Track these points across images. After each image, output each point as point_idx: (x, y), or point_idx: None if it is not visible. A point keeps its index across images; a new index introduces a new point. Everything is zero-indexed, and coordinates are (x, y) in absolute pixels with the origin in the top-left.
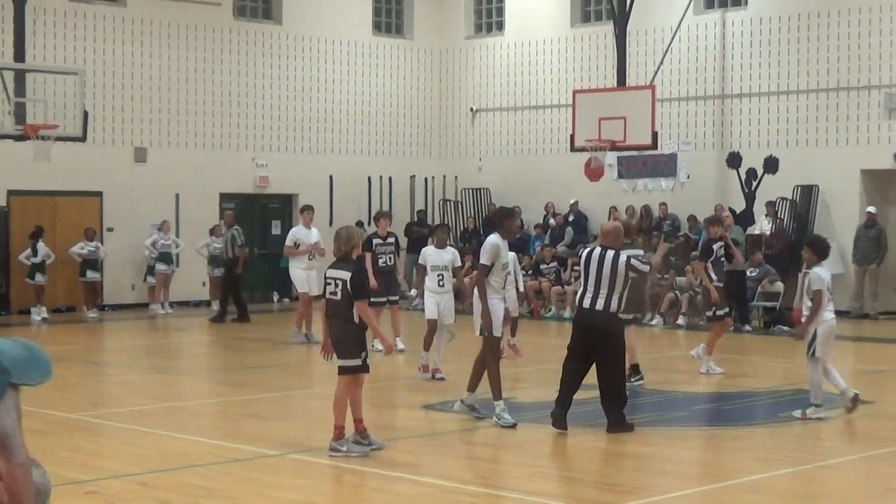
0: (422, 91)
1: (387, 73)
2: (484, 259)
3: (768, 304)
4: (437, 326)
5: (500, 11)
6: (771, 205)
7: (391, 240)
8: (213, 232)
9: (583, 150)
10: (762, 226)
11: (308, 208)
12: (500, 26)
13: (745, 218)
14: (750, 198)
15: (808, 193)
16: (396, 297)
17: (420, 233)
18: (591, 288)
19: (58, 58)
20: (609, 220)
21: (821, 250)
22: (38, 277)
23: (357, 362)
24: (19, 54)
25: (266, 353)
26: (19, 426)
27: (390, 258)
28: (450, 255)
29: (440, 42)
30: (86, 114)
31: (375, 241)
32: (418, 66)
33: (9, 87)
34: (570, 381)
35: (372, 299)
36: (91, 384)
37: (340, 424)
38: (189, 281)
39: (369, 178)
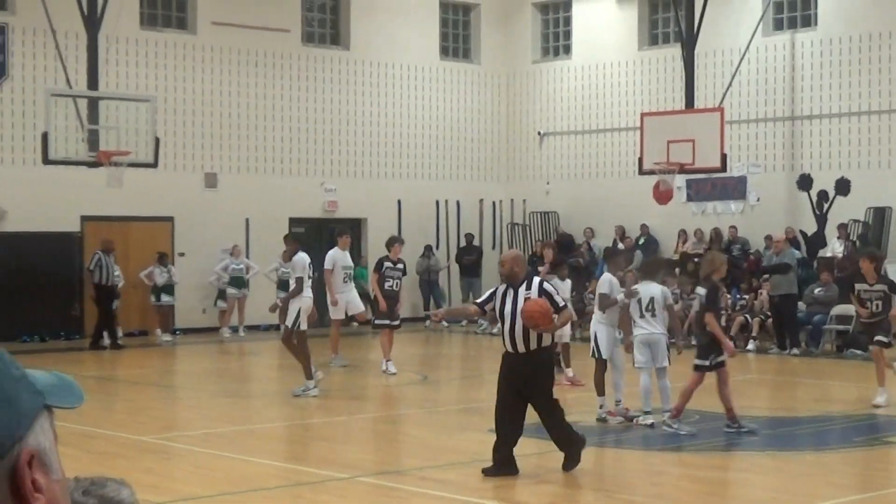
0: (489, 115)
1: (454, 97)
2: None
3: (840, 327)
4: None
5: (568, 35)
6: (843, 227)
7: (401, 265)
8: (282, 256)
9: (651, 173)
10: (834, 248)
11: (345, 232)
12: (568, 50)
13: (817, 240)
14: (821, 220)
15: (880, 215)
16: (397, 322)
17: (469, 259)
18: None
19: (130, 85)
20: (679, 244)
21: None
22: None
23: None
24: (93, 82)
25: (333, 377)
26: (55, 446)
27: (397, 283)
28: (567, 287)
29: (507, 66)
30: (157, 140)
31: (386, 264)
32: (486, 90)
33: (83, 114)
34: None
35: (376, 321)
36: (163, 407)
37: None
38: (259, 305)
39: (437, 203)
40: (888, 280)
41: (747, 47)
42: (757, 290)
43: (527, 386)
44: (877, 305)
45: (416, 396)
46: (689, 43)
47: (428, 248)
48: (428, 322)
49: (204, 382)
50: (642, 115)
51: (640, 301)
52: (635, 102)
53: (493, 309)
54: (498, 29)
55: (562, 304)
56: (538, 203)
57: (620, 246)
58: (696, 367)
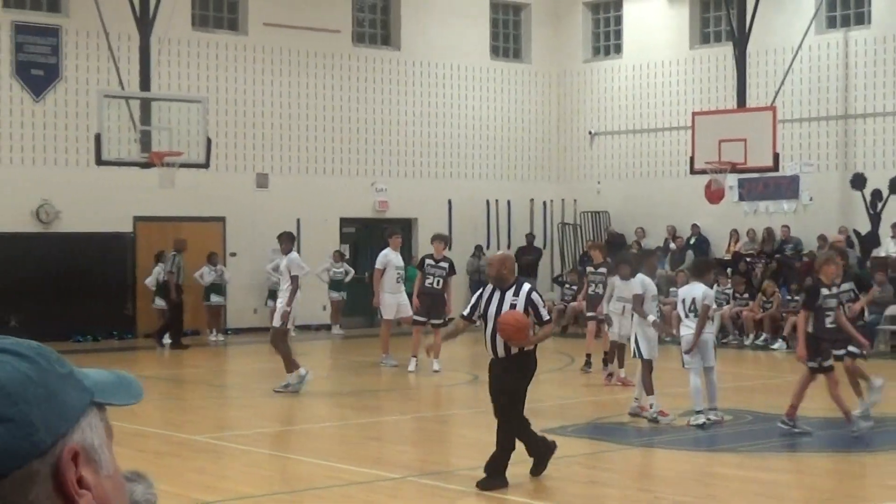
0: (540, 115)
1: (505, 97)
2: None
3: (894, 327)
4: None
5: (619, 34)
6: None
7: (444, 263)
8: (333, 256)
9: (703, 172)
10: (888, 248)
11: (396, 232)
12: (619, 49)
13: (871, 240)
14: (875, 219)
15: None
16: (440, 320)
17: (528, 260)
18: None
19: (182, 86)
20: (731, 244)
21: None
22: (160, 302)
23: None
24: (145, 83)
25: (383, 377)
26: (108, 442)
27: (439, 281)
28: (640, 282)
29: (558, 65)
30: (209, 141)
31: (428, 261)
32: (536, 89)
33: (135, 115)
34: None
35: (414, 318)
36: (215, 407)
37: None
38: (309, 305)
39: (488, 202)
40: None
41: (800, 45)
42: None
43: (499, 384)
44: None
45: (466, 396)
46: (741, 41)
47: (478, 248)
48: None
49: (255, 382)
50: (694, 114)
51: (684, 301)
52: (686, 101)
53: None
54: (549, 28)
55: (546, 317)
56: (589, 203)
57: (672, 246)
58: (812, 369)
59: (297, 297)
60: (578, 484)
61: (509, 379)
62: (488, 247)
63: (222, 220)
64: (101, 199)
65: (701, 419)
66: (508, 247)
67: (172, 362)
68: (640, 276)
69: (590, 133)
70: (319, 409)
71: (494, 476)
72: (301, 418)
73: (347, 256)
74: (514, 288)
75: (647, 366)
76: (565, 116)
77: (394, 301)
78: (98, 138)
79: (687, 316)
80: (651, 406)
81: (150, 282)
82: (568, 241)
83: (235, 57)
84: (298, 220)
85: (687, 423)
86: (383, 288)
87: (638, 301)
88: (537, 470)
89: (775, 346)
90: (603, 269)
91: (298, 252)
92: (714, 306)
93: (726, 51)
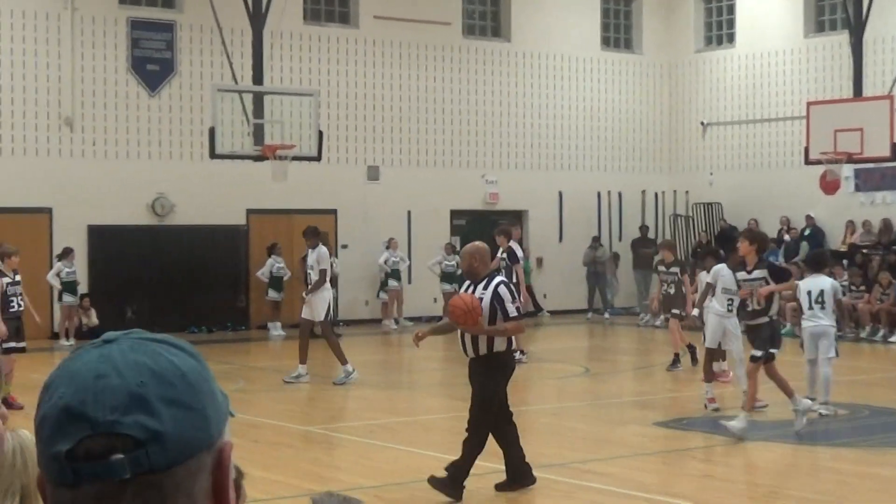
0: (651, 105)
1: (616, 87)
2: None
3: None
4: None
5: (731, 23)
6: None
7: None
8: (445, 249)
9: (818, 162)
10: None
11: (516, 225)
12: (731, 38)
13: None
14: None
15: None
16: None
17: (646, 252)
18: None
19: (294, 79)
20: (847, 235)
21: None
22: (273, 294)
23: None
24: (258, 77)
25: None
26: None
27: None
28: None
29: (670, 56)
30: (321, 134)
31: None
32: (648, 80)
33: (248, 109)
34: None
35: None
36: (327, 398)
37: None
38: (421, 297)
39: (599, 194)
40: None
41: None
42: None
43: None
44: None
45: (579, 389)
46: (857, 29)
47: (595, 240)
48: (590, 315)
49: (368, 374)
50: (808, 103)
51: (809, 293)
52: (801, 91)
53: None
54: (660, 18)
55: (512, 313)
56: (701, 194)
57: (787, 237)
58: None
59: (329, 291)
60: (693, 478)
61: (482, 382)
62: (599, 239)
63: (334, 212)
64: (214, 192)
65: (824, 410)
66: (620, 239)
67: (283, 353)
68: (716, 266)
69: (702, 123)
70: (431, 401)
71: (450, 483)
72: (413, 410)
73: (459, 249)
74: (485, 281)
75: (710, 353)
76: (677, 107)
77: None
78: (212, 132)
79: (811, 308)
80: (707, 392)
81: (262, 273)
82: (680, 232)
83: (347, 50)
84: (409, 213)
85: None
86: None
87: (706, 290)
88: (504, 486)
89: (893, 338)
90: (675, 269)
91: (409, 246)
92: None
93: (842, 39)
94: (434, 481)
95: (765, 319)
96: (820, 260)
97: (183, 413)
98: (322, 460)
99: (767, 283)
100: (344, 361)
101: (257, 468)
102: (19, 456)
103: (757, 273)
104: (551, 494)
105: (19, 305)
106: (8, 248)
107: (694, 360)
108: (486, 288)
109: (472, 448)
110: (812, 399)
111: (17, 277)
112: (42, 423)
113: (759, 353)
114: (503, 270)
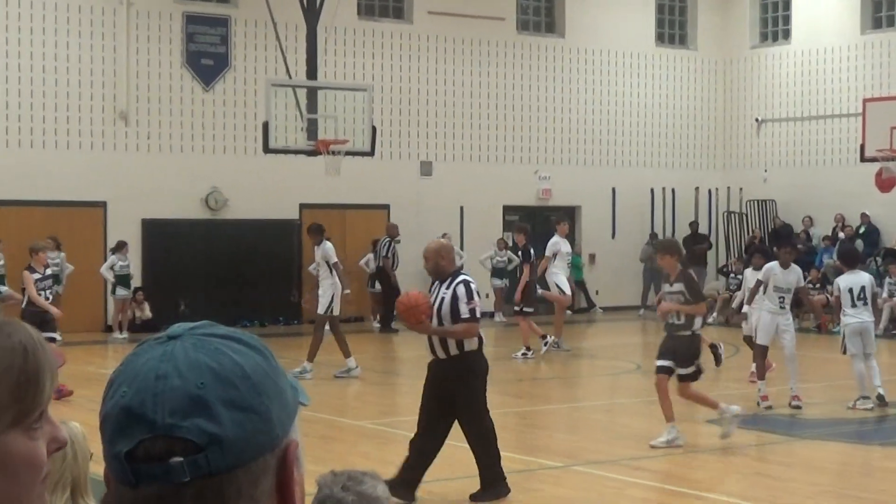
0: (705, 102)
1: (670, 84)
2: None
3: None
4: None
5: (787, 20)
6: None
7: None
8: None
9: (874, 160)
10: None
11: (563, 220)
12: (787, 35)
13: None
14: None
15: None
16: (531, 309)
17: (700, 249)
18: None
19: (347, 75)
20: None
21: None
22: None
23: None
24: (311, 72)
25: (552, 364)
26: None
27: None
28: (794, 275)
29: (725, 52)
30: (374, 129)
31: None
32: (702, 76)
33: (302, 104)
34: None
35: (524, 308)
36: (378, 393)
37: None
38: None
39: (652, 190)
40: None
41: None
42: None
43: (449, 392)
44: None
45: (630, 386)
46: None
47: (653, 236)
48: (642, 311)
49: (419, 369)
50: (865, 100)
51: (850, 290)
52: (857, 88)
53: None
54: (715, 14)
55: (464, 314)
56: (755, 191)
57: (841, 235)
58: None
59: (338, 285)
60: (744, 475)
61: (465, 396)
62: (653, 236)
63: (386, 207)
64: (268, 186)
65: (869, 404)
66: (673, 235)
67: (334, 348)
68: (768, 265)
69: (756, 120)
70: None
71: (490, 488)
72: None
73: (511, 244)
74: (449, 280)
75: (760, 350)
76: (731, 103)
77: (566, 287)
78: (266, 126)
79: (854, 305)
80: (760, 390)
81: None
82: (734, 230)
83: (401, 45)
84: (462, 208)
85: (853, 407)
86: (554, 274)
87: (758, 287)
88: (477, 496)
89: None
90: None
91: (461, 241)
92: (885, 295)
93: None
94: (476, 496)
95: (687, 333)
96: (854, 256)
97: (245, 416)
98: (373, 455)
99: (685, 297)
100: (310, 359)
101: (308, 462)
102: (69, 448)
103: (677, 286)
104: (604, 492)
105: (48, 299)
106: (38, 243)
107: (718, 360)
108: (448, 287)
109: (490, 454)
110: (866, 397)
111: (48, 272)
112: (105, 421)
113: (686, 372)
114: (519, 268)
